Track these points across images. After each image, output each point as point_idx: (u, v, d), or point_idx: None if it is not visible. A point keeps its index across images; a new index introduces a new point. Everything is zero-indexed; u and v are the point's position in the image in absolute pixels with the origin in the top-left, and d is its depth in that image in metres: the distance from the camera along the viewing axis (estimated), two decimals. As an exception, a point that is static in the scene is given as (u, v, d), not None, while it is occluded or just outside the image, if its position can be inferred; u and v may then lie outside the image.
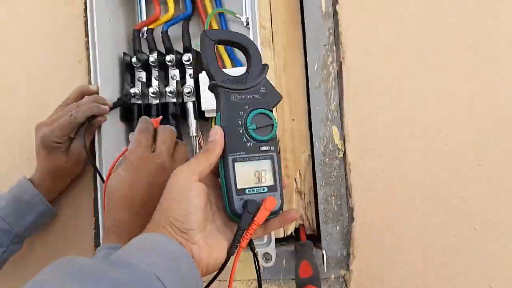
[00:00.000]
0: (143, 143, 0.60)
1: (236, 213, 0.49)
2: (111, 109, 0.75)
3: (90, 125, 0.73)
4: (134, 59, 0.80)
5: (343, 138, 0.74)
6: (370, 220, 0.72)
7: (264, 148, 0.51)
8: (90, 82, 0.78)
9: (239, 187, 0.49)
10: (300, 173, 0.77)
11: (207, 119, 0.78)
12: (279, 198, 0.50)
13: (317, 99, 0.75)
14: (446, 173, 0.70)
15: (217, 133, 0.49)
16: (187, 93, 0.77)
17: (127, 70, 0.81)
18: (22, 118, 0.84)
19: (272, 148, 0.51)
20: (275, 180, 0.51)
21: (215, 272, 0.49)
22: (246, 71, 0.53)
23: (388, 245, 0.71)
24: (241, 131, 0.50)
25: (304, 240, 0.74)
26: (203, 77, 0.75)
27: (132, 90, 0.79)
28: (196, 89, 0.76)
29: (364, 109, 0.73)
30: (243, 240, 0.48)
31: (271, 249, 0.69)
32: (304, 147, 0.77)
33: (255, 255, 0.53)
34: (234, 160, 0.49)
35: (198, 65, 0.78)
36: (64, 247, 0.83)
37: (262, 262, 0.74)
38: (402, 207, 0.71)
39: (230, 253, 0.49)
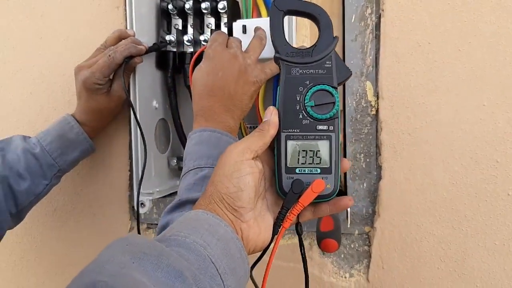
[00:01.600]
0: (218, 39, 0.66)
1: (283, 191, 0.48)
2: (146, 52, 0.76)
3: (127, 66, 0.75)
4: (170, 6, 0.80)
5: (376, 95, 0.71)
6: (399, 180, 0.71)
7: (321, 127, 0.48)
8: (127, 28, 0.79)
9: (289, 165, 0.48)
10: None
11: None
12: (333, 181, 0.48)
13: (352, 52, 0.72)
14: (483, 135, 0.66)
15: (271, 113, 0.49)
16: (221, 42, 0.76)
17: (163, 16, 0.82)
18: (64, 62, 0.87)
19: (331, 128, 0.48)
20: (330, 163, 0.48)
21: (260, 253, 0.50)
22: (315, 43, 0.50)
23: (415, 207, 0.70)
24: (298, 108, 0.48)
25: (330, 195, 0.74)
26: (237, 26, 0.74)
27: (167, 37, 0.80)
28: (230, 38, 0.75)
29: (402, 65, 0.70)
30: (286, 221, 0.47)
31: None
32: (337, 102, 0.75)
33: (300, 239, 0.52)
34: (287, 138, 0.48)
35: (232, 13, 0.77)
36: (100, 184, 0.88)
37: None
38: (433, 168, 0.69)
39: (273, 232, 0.48)
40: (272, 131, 0.48)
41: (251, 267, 0.51)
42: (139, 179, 0.78)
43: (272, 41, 0.50)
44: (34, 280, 0.92)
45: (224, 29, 0.78)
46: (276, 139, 0.49)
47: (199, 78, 0.64)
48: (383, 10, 0.70)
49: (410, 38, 0.69)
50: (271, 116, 0.48)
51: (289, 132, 0.48)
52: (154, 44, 0.79)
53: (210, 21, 0.80)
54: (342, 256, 0.75)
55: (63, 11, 0.86)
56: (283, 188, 0.48)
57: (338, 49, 0.74)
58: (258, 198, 0.49)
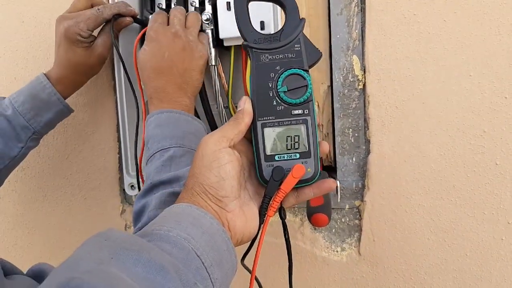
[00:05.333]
0: (158, 19, 0.67)
1: (264, 179, 0.48)
2: (135, 19, 0.74)
3: (116, 23, 0.72)
4: (153, -16, 0.79)
5: (363, 69, 0.71)
6: (387, 153, 0.71)
7: (296, 112, 0.48)
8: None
9: (268, 153, 0.48)
10: (318, 105, 0.75)
11: (227, 48, 0.77)
12: (313, 165, 0.48)
13: (338, 26, 0.72)
14: (470, 106, 0.67)
15: (244, 102, 0.48)
16: (206, 20, 0.75)
17: (146, -5, 0.80)
18: (47, 45, 0.86)
19: (306, 111, 0.48)
20: (309, 146, 0.48)
21: (248, 243, 0.49)
22: (282, 27, 0.49)
23: (404, 179, 0.70)
24: (271, 94, 0.48)
25: (319, 170, 0.74)
26: (221, 3, 0.73)
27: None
28: (214, 17, 0.74)
29: (388, 39, 0.69)
30: (270, 209, 0.47)
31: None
32: (324, 78, 0.75)
33: (284, 224, 0.52)
34: (263, 126, 0.48)
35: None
36: (90, 167, 0.87)
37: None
38: (421, 140, 0.69)
39: (259, 222, 0.48)
40: (247, 119, 0.47)
41: (242, 258, 0.51)
42: (128, 160, 0.78)
43: (238, 29, 0.49)
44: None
45: (208, 6, 0.77)
46: (253, 128, 0.48)
47: (146, 60, 0.65)
48: (368, -18, 0.69)
49: (395, 9, 0.68)
50: (244, 105, 0.48)
51: (265, 119, 0.48)
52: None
53: (194, -2, 0.79)
54: (333, 230, 0.76)
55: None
56: (264, 176, 0.48)
57: (324, 23, 0.74)
58: (241, 188, 0.48)
